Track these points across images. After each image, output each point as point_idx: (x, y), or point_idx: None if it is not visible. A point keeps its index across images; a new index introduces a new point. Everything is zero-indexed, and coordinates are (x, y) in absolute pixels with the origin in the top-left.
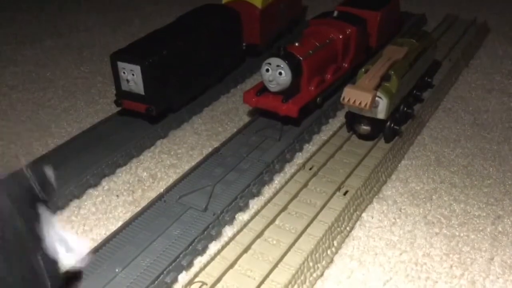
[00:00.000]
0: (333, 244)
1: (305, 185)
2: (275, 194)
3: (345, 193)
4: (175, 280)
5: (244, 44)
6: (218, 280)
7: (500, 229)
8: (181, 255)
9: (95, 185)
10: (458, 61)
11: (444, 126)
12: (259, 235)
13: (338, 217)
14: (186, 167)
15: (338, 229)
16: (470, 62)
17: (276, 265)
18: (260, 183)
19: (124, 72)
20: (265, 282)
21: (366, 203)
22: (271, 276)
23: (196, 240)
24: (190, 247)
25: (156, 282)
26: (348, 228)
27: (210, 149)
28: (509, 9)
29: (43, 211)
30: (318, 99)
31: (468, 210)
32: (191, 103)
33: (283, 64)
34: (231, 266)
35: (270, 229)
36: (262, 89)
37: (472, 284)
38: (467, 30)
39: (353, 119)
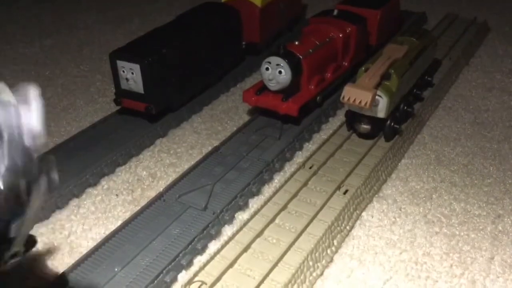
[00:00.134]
0: (333, 243)
1: (305, 184)
2: (275, 193)
3: (345, 192)
4: (174, 279)
5: (243, 42)
6: (218, 279)
7: (500, 228)
8: (180, 254)
9: (95, 184)
10: (458, 60)
11: (444, 125)
12: (259, 234)
13: (338, 216)
14: (186, 166)
15: (338, 228)
16: (470, 61)
17: (276, 264)
18: (260, 182)
19: (123, 71)
20: (265, 281)
21: (366, 202)
22: (271, 275)
23: (195, 239)
24: (190, 246)
25: (155, 281)
26: (348, 227)
27: (209, 148)
28: (509, 8)
29: None
30: (318, 98)
31: (468, 209)
32: (190, 102)
33: (283, 63)
34: (231, 265)
35: (270, 228)
36: (262, 88)
37: (472, 283)
38: (467, 28)
39: (353, 118)
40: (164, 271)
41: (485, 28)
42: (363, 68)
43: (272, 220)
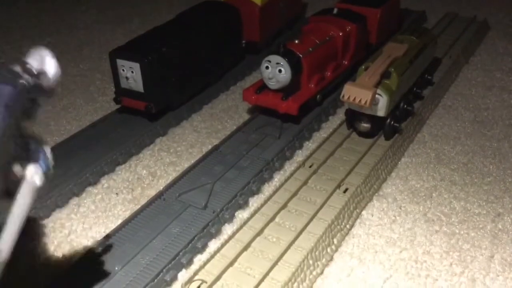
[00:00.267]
0: (333, 242)
1: (305, 182)
2: (275, 192)
3: (345, 191)
4: (174, 278)
5: (243, 41)
6: (218, 278)
7: (500, 226)
8: (180, 253)
9: (95, 183)
10: (458, 59)
11: (444, 123)
12: (259, 233)
13: (338, 215)
14: (186, 164)
15: (338, 227)
16: (470, 59)
17: (276, 263)
18: (260, 181)
19: (123, 70)
20: (265, 280)
21: (366, 200)
22: (271, 274)
23: (195, 238)
24: (190, 245)
25: (155, 280)
26: (348, 226)
27: (209, 147)
28: (509, 7)
29: None
30: (318, 96)
31: (468, 207)
32: (190, 100)
33: (283, 61)
34: (231, 264)
35: (270, 227)
36: (261, 87)
37: (472, 281)
38: (467, 27)
39: (353, 117)
40: (164, 270)
41: (485, 26)
42: (363, 67)
43: (272, 219)
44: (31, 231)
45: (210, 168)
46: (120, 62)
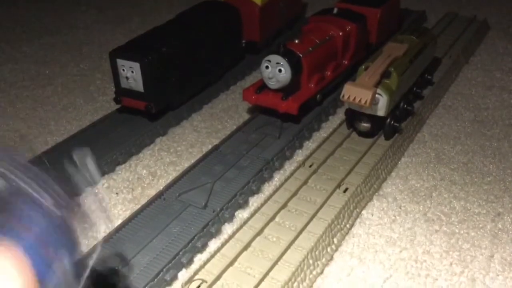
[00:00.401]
0: (333, 242)
1: (305, 182)
2: (275, 192)
3: (345, 191)
4: (175, 277)
5: (243, 41)
6: (218, 277)
7: (500, 226)
8: (180, 253)
9: None
10: (458, 58)
11: (444, 123)
12: (259, 233)
13: (338, 214)
14: (186, 164)
15: (338, 226)
16: (470, 59)
17: (276, 263)
18: (259, 180)
19: (123, 70)
20: (265, 280)
21: (366, 200)
22: (271, 274)
23: (195, 238)
24: (190, 244)
25: (155, 279)
26: (348, 226)
27: (209, 147)
28: (509, 6)
29: None
30: (318, 96)
31: (468, 207)
32: (190, 100)
33: (282, 61)
34: (231, 263)
35: (270, 227)
36: (261, 87)
37: (472, 281)
38: (467, 27)
39: (353, 116)
40: (164, 270)
41: (485, 26)
42: (363, 67)
43: (272, 218)
44: None
45: (210, 168)
46: (120, 62)
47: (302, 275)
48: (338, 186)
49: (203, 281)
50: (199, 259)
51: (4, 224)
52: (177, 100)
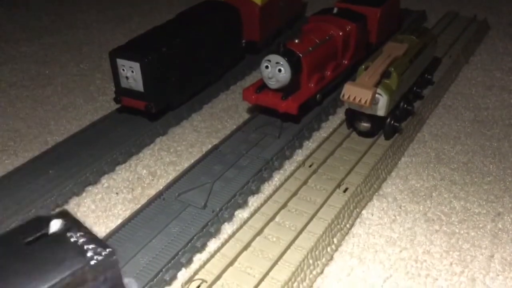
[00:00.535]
0: (333, 242)
1: (305, 182)
2: (274, 191)
3: (345, 190)
4: (174, 277)
5: (243, 41)
6: (218, 277)
7: (500, 226)
8: (180, 253)
9: (95, 182)
10: (458, 58)
11: (444, 123)
12: (259, 233)
13: (338, 214)
14: (186, 164)
15: (338, 226)
16: (470, 59)
17: (276, 263)
18: (259, 180)
19: (123, 69)
20: (265, 280)
21: (366, 200)
22: (271, 274)
23: (195, 238)
24: (189, 244)
25: (155, 279)
26: (348, 226)
27: (209, 146)
28: (509, 6)
29: None
30: (318, 96)
31: (468, 207)
32: (190, 100)
33: (282, 61)
34: (231, 263)
35: (270, 227)
36: (261, 86)
37: (472, 281)
38: (467, 27)
39: (353, 116)
40: (163, 269)
41: (485, 26)
42: (363, 66)
43: (272, 218)
44: None
45: (210, 168)
46: (120, 61)
47: (302, 275)
48: (338, 186)
49: (203, 281)
50: (198, 259)
51: None
52: (177, 100)
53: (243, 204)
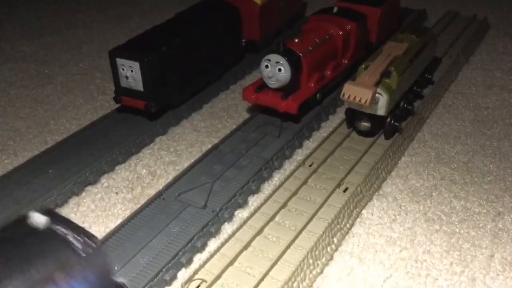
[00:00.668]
0: (333, 241)
1: (305, 182)
2: (274, 191)
3: (345, 190)
4: (174, 277)
5: (243, 40)
6: (218, 277)
7: (500, 226)
8: (180, 253)
9: (94, 182)
10: (458, 58)
11: (445, 122)
12: (258, 232)
13: (338, 214)
14: (186, 164)
15: (338, 226)
16: (470, 59)
17: (276, 262)
18: (259, 180)
19: (123, 69)
20: (265, 279)
21: (366, 200)
22: (271, 273)
23: (195, 237)
24: (189, 244)
25: (155, 279)
26: (348, 225)
27: (209, 146)
28: (509, 6)
29: None
30: (317, 95)
31: (469, 207)
32: (190, 99)
33: (282, 60)
34: (231, 263)
35: (270, 226)
36: (261, 86)
37: (472, 281)
38: (467, 26)
39: (353, 116)
40: (163, 269)
41: (485, 25)
42: (363, 66)
43: (272, 218)
44: None
45: (210, 167)
46: (120, 61)
47: (302, 274)
48: (338, 185)
49: (203, 280)
50: (198, 259)
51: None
52: (177, 99)
53: (243, 204)
